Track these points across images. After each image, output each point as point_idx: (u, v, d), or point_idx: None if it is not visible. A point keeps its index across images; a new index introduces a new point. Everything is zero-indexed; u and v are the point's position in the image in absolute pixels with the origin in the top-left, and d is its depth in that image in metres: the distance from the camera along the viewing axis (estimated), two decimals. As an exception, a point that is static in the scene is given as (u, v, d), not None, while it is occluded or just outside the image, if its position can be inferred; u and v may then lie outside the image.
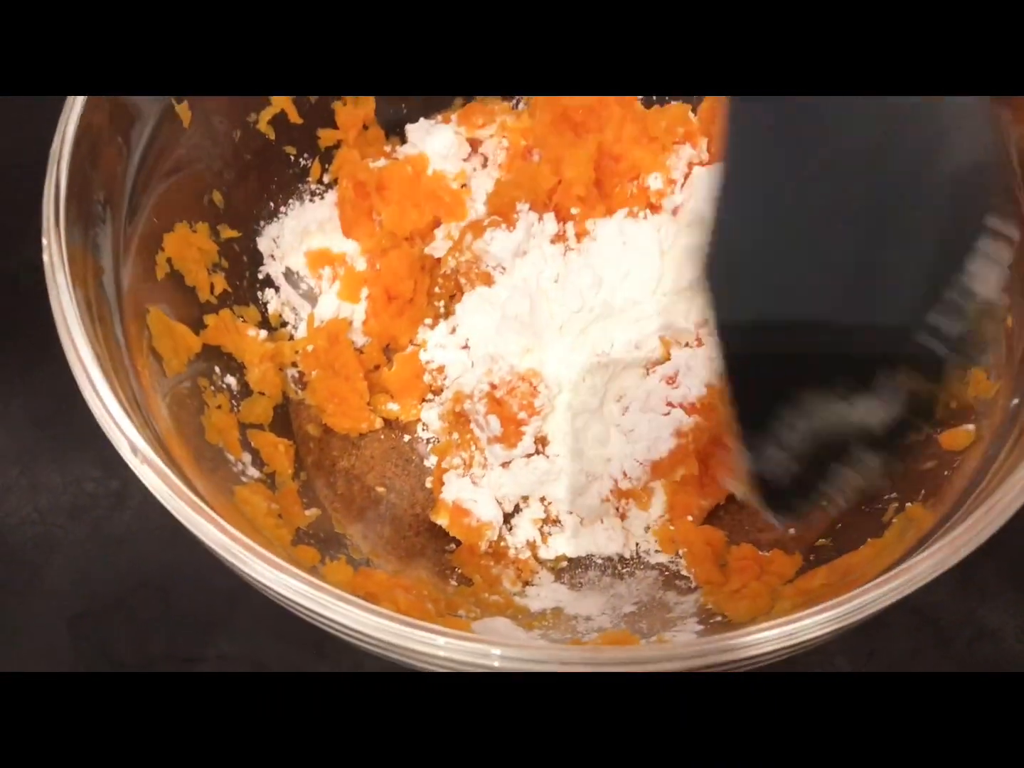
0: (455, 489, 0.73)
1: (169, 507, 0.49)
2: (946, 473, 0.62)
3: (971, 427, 0.63)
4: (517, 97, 0.88)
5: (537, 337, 0.75)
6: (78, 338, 0.52)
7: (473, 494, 0.73)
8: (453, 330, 0.80)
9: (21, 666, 0.76)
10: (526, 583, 0.72)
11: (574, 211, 0.79)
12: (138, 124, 0.65)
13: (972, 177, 0.38)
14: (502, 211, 0.78)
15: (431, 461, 0.78)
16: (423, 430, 0.80)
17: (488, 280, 0.79)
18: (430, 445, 0.80)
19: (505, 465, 0.74)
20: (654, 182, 0.80)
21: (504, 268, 0.78)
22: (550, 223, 0.79)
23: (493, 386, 0.73)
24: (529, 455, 0.74)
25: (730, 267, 0.40)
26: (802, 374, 0.40)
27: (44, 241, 0.56)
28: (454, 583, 0.72)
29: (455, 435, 0.76)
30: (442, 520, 0.73)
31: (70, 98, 0.60)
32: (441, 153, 0.83)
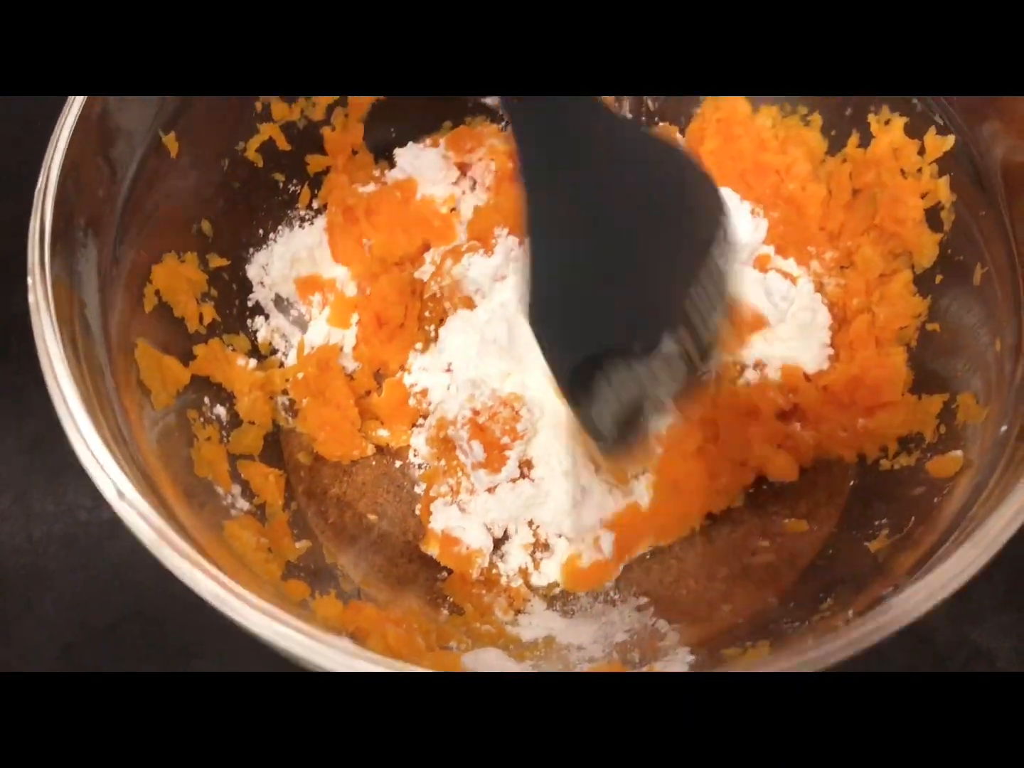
0: (443, 517, 0.73)
1: (155, 553, 0.49)
2: (936, 500, 0.62)
3: (959, 453, 0.63)
4: (505, 120, 0.88)
5: (517, 361, 0.75)
6: (63, 380, 0.52)
7: (461, 521, 0.73)
8: (438, 354, 0.80)
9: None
10: (518, 611, 0.72)
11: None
12: (125, 156, 0.65)
13: (700, 213, 0.54)
14: (480, 236, 0.78)
15: (422, 487, 0.78)
16: (414, 455, 0.80)
17: (469, 304, 0.79)
18: (421, 471, 0.79)
19: (491, 490, 0.74)
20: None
21: (483, 293, 0.78)
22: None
23: (475, 411, 0.73)
24: (514, 479, 0.74)
25: (546, 306, 0.53)
26: (609, 350, 0.53)
27: (29, 280, 0.56)
28: (446, 612, 0.72)
29: (442, 461, 0.76)
30: (432, 550, 0.73)
31: (56, 130, 0.60)
32: (430, 177, 0.83)
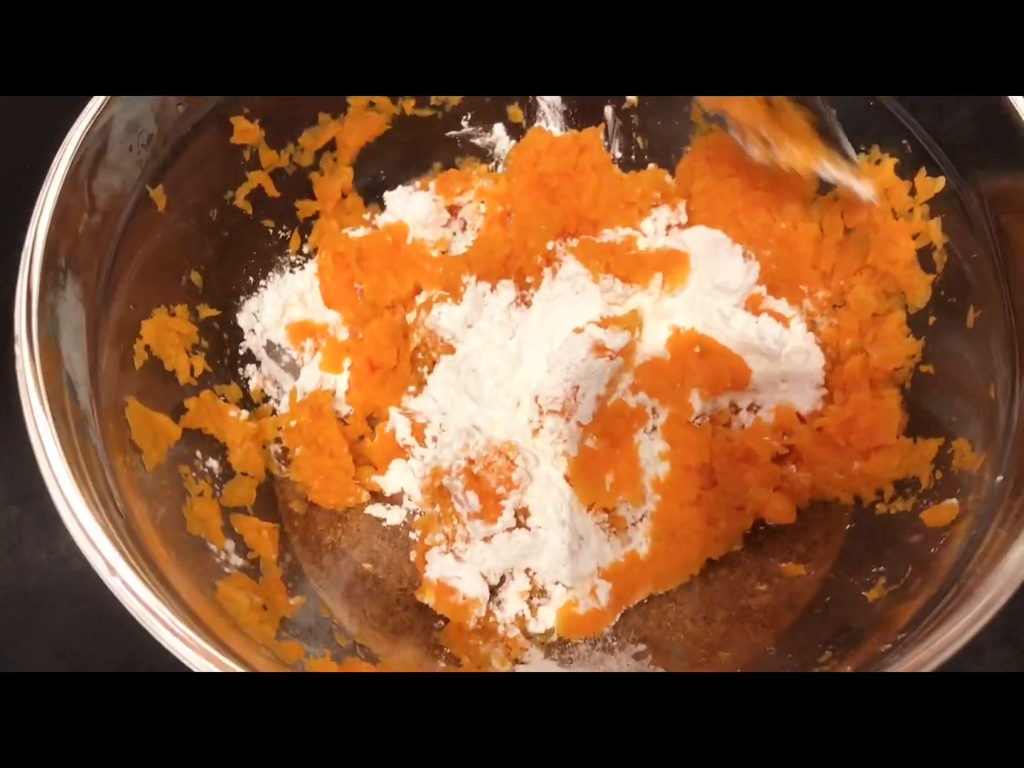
0: (439, 567, 0.73)
1: (148, 629, 0.49)
2: (933, 550, 0.62)
3: (955, 502, 0.62)
4: (495, 161, 0.88)
5: (488, 405, 0.75)
6: (50, 446, 0.52)
7: (457, 571, 0.72)
8: (429, 401, 0.80)
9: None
10: (516, 661, 0.72)
11: (529, 280, 0.80)
12: (112, 213, 0.65)
13: None
14: (449, 286, 0.78)
15: (417, 534, 0.78)
16: (408, 501, 0.80)
17: (451, 350, 0.79)
18: (416, 517, 0.79)
19: (487, 539, 0.73)
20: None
21: (458, 339, 0.79)
22: (505, 291, 0.79)
23: (470, 461, 0.72)
24: (510, 528, 0.73)
25: None
26: None
27: (16, 349, 0.55)
28: (443, 664, 0.71)
29: (437, 508, 0.75)
30: (428, 599, 0.72)
31: (44, 187, 0.60)
32: (420, 220, 0.83)
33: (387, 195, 0.85)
